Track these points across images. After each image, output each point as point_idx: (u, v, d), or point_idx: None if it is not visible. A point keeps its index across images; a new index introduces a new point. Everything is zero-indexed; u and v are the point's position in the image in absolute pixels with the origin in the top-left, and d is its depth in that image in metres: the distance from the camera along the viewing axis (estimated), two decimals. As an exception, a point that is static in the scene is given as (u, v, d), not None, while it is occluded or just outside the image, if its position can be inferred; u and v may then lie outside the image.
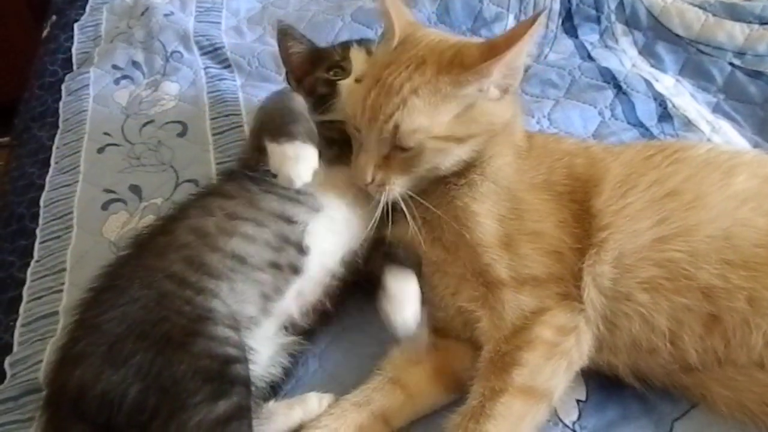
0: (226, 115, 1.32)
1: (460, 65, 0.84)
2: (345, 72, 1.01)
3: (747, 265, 0.78)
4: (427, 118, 0.84)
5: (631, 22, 1.47)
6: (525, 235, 0.86)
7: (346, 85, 0.99)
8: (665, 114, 1.25)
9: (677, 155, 0.89)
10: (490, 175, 0.90)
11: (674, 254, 0.80)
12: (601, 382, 0.86)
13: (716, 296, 0.78)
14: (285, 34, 1.08)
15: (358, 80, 0.98)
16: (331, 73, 1.01)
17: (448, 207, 0.89)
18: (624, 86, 1.30)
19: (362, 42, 1.07)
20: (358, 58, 1.02)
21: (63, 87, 1.48)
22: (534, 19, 0.82)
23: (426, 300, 0.88)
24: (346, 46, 1.06)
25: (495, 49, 0.82)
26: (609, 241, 0.83)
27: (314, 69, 1.04)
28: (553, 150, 0.95)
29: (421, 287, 0.88)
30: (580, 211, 0.87)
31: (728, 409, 0.79)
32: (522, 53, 0.84)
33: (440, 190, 0.91)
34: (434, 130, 0.84)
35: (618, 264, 0.82)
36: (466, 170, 0.90)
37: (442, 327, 0.90)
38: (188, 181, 1.20)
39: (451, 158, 0.87)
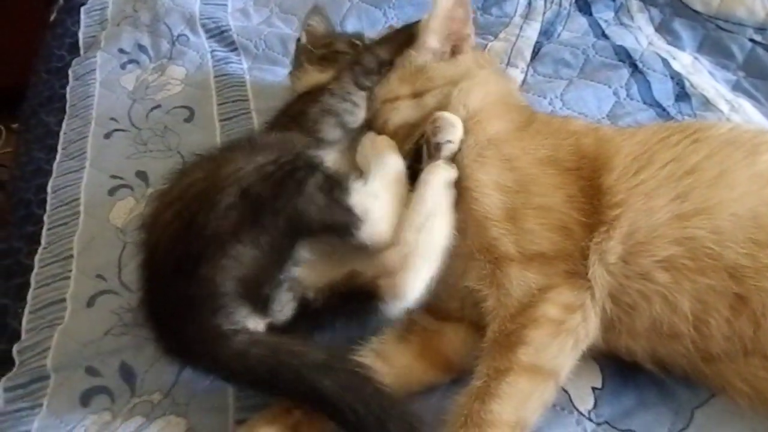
0: (234, 101, 1.30)
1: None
2: None
3: None
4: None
5: (648, -1, 1.42)
6: (531, 209, 0.84)
7: None
8: (682, 93, 1.21)
9: (697, 135, 0.86)
10: (492, 139, 0.90)
11: (696, 232, 0.77)
12: (618, 369, 0.84)
13: (743, 276, 0.75)
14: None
15: None
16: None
17: (457, 180, 0.88)
18: (640, 65, 1.26)
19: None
20: None
21: (70, 72, 1.47)
22: None
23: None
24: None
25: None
26: (621, 219, 0.81)
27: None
28: (559, 129, 0.93)
29: None
30: (589, 187, 0.85)
31: (749, 404, 0.76)
32: (440, 16, 0.97)
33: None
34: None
35: (629, 241, 0.79)
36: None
37: (442, 310, 0.89)
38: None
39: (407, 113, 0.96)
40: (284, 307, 0.81)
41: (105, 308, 0.98)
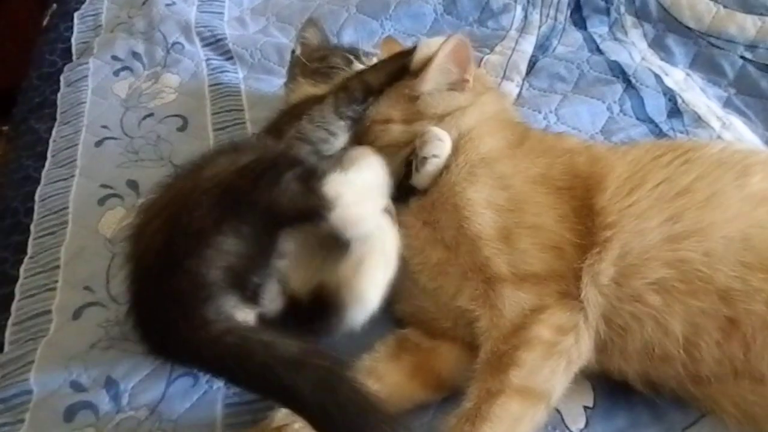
0: (228, 111, 1.29)
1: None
2: None
3: (767, 268, 0.75)
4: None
5: (641, 14, 1.43)
6: (524, 228, 0.84)
7: None
8: (675, 110, 1.22)
9: (688, 155, 0.86)
10: (484, 156, 0.90)
11: (687, 254, 0.77)
12: (610, 389, 0.83)
13: (734, 299, 0.75)
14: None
15: None
16: None
17: (448, 197, 0.88)
18: (633, 80, 1.27)
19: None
20: None
21: (62, 78, 1.45)
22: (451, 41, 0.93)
23: (423, 304, 0.88)
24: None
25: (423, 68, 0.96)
26: (613, 240, 0.81)
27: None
28: (553, 146, 0.93)
29: (419, 294, 0.88)
30: (582, 207, 0.85)
31: (738, 425, 0.76)
32: (436, 72, 0.94)
33: (440, 182, 0.91)
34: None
35: (621, 263, 0.79)
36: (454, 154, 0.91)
37: (434, 328, 0.88)
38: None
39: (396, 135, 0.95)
40: (275, 297, 0.80)
41: (92, 321, 0.96)
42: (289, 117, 0.98)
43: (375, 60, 1.11)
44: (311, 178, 0.79)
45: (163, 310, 0.76)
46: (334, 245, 0.81)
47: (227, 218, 0.76)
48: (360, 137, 0.98)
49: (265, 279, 0.79)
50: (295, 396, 0.69)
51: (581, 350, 0.79)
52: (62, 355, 0.92)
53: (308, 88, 1.06)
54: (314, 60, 1.10)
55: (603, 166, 0.88)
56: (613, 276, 0.79)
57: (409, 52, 0.99)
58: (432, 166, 0.89)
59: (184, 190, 0.81)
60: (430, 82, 0.96)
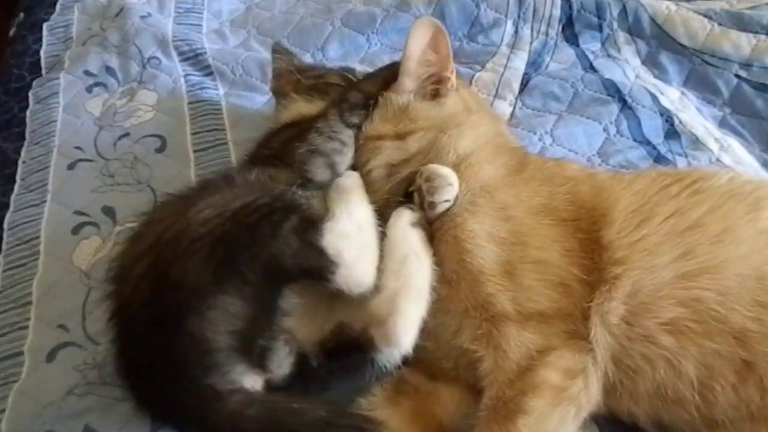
0: (209, 130, 1.23)
1: None
2: None
3: None
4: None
5: (634, 31, 1.40)
6: (529, 263, 0.81)
7: None
8: (672, 131, 1.19)
9: (697, 185, 0.84)
10: (485, 186, 0.87)
11: (701, 293, 0.75)
12: (616, 428, 0.80)
13: (750, 341, 0.73)
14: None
15: None
16: None
17: (448, 229, 0.85)
18: (629, 100, 1.24)
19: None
20: None
21: (30, 94, 1.38)
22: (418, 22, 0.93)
23: (423, 343, 0.82)
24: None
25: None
26: (623, 278, 0.78)
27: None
28: (554, 174, 0.90)
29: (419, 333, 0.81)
30: (588, 240, 0.82)
31: None
32: (411, 58, 0.93)
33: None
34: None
35: (632, 302, 0.77)
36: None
37: (435, 369, 0.85)
38: (163, 200, 1.11)
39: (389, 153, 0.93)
40: (282, 361, 0.76)
41: (67, 363, 0.90)
42: (291, 136, 0.94)
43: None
44: (309, 229, 0.76)
45: (162, 373, 0.72)
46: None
47: (228, 275, 0.72)
48: (354, 157, 0.95)
49: (271, 342, 0.75)
50: None
51: (590, 395, 0.76)
52: (36, 403, 0.86)
53: (303, 105, 1.03)
54: (310, 77, 1.07)
55: (608, 196, 0.85)
56: (623, 315, 0.76)
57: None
58: (442, 209, 0.86)
59: (173, 231, 0.76)
60: (410, 74, 0.94)
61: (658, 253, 0.78)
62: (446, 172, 0.86)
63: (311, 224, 0.77)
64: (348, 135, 0.94)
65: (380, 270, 0.79)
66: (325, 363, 0.78)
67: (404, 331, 0.75)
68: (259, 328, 0.74)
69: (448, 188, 0.85)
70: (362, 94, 0.97)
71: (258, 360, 0.75)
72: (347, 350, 0.78)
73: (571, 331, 0.77)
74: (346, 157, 0.94)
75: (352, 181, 0.91)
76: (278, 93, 1.11)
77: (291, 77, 1.08)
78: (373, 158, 0.94)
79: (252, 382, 0.75)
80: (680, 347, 0.74)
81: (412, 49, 0.94)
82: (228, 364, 0.72)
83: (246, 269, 0.72)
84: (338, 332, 0.79)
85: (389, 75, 0.98)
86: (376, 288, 0.78)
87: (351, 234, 0.79)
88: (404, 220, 0.84)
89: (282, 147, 0.93)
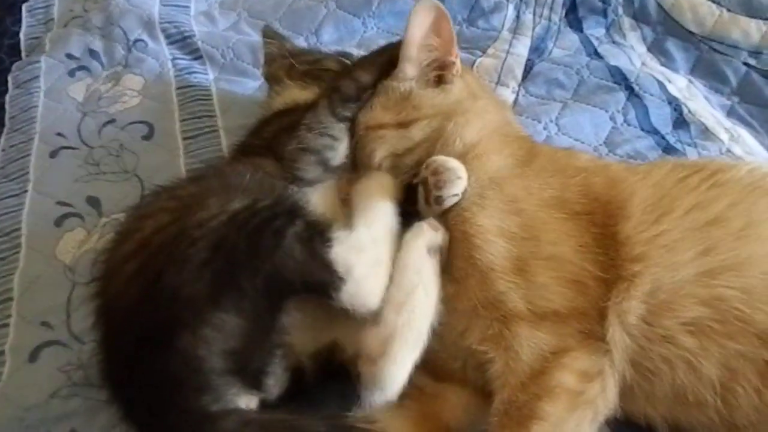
0: (199, 117, 1.18)
1: None
2: None
3: None
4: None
5: (640, 16, 1.36)
6: (541, 260, 0.77)
7: None
8: (680, 120, 1.15)
9: (716, 177, 0.80)
10: (493, 178, 0.83)
11: (724, 291, 0.71)
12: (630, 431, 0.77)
13: None
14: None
15: None
16: None
17: (456, 224, 0.80)
18: (636, 88, 1.20)
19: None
20: None
21: (10, 78, 1.33)
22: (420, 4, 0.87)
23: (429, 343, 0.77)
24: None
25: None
26: (642, 275, 0.74)
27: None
28: (565, 165, 0.86)
29: None
30: (603, 235, 0.77)
31: None
32: (413, 43, 0.88)
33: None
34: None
35: (651, 300, 0.73)
36: None
37: (441, 370, 0.80)
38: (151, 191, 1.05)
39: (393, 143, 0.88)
40: (278, 380, 0.72)
41: (51, 364, 0.86)
42: (279, 130, 0.88)
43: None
44: (315, 238, 0.71)
45: (148, 388, 0.67)
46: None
47: (226, 290, 0.67)
48: (355, 148, 0.90)
49: (268, 360, 0.70)
50: None
51: (607, 398, 0.72)
52: (18, 406, 0.82)
53: (297, 92, 0.98)
54: (304, 62, 1.02)
55: (623, 189, 0.81)
56: (642, 314, 0.72)
57: (398, 44, 0.91)
58: (450, 203, 0.82)
59: (166, 233, 0.70)
60: (411, 60, 0.89)
61: (679, 250, 0.74)
62: (455, 164, 0.82)
63: (318, 231, 0.72)
64: (339, 129, 0.88)
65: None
66: (319, 375, 0.75)
67: (393, 378, 0.70)
68: (256, 347, 0.70)
69: (457, 182, 0.81)
70: (356, 83, 0.90)
71: (253, 380, 0.70)
72: (338, 369, 0.75)
73: (587, 332, 0.73)
74: (338, 152, 0.88)
75: (379, 183, 0.85)
76: (271, 79, 1.06)
77: (284, 62, 1.03)
78: (377, 149, 0.89)
79: (246, 401, 0.70)
80: (701, 348, 0.71)
81: (412, 33, 0.88)
82: (222, 385, 0.68)
83: (246, 284, 0.67)
84: (332, 350, 0.75)
85: (386, 60, 0.92)
86: (375, 316, 0.72)
87: (365, 247, 0.73)
88: (422, 242, 0.77)
89: (273, 138, 0.88)
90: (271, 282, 0.68)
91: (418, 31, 0.88)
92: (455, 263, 0.79)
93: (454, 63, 0.91)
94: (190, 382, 0.66)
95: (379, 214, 0.78)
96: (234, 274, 0.67)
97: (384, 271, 0.73)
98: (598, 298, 0.74)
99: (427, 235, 0.77)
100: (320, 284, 0.70)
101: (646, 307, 0.72)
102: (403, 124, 0.89)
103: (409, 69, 0.90)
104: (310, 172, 0.84)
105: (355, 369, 0.71)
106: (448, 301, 0.78)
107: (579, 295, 0.75)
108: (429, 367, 0.80)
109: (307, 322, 0.74)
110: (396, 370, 0.70)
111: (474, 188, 0.82)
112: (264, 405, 0.71)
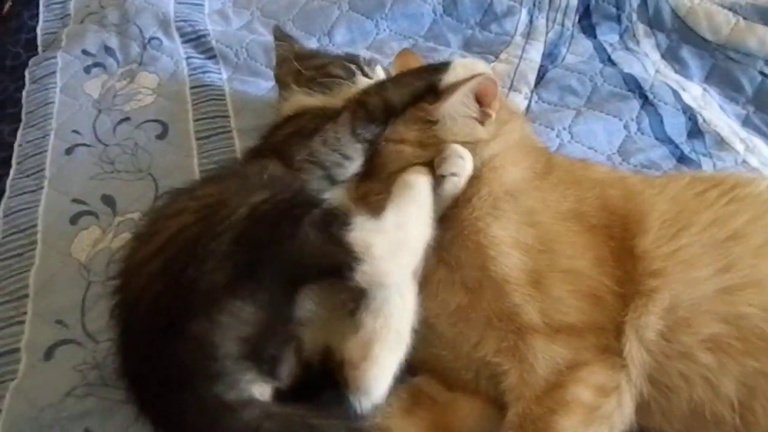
0: (212, 117, 1.18)
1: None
2: None
3: None
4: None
5: (654, 23, 1.35)
6: (558, 273, 0.76)
7: None
8: (695, 130, 1.15)
9: (736, 192, 0.79)
10: (509, 190, 0.82)
11: (744, 309, 0.71)
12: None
13: None
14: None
15: None
16: None
17: (469, 234, 0.80)
18: (650, 96, 1.20)
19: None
20: None
21: (26, 73, 1.33)
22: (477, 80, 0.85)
23: (441, 352, 0.80)
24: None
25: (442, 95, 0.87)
26: (661, 291, 0.74)
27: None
28: (581, 178, 0.86)
29: (436, 341, 0.79)
30: (620, 249, 0.77)
31: None
32: (456, 105, 0.85)
33: (461, 216, 0.82)
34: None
35: (670, 316, 0.73)
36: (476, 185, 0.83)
37: (454, 379, 0.81)
38: (169, 193, 1.06)
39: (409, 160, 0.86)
40: (291, 370, 0.72)
41: (66, 362, 0.86)
42: (292, 134, 0.88)
43: (378, 68, 1.01)
44: (332, 223, 0.70)
45: (165, 378, 0.67)
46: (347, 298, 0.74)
47: (243, 278, 0.67)
48: (372, 156, 0.89)
49: (282, 350, 0.71)
50: None
51: (624, 414, 0.72)
52: (33, 405, 0.82)
53: (303, 98, 0.97)
54: (310, 68, 1.00)
55: (641, 202, 0.80)
56: (660, 330, 0.72)
57: (439, 70, 0.88)
58: (450, 185, 0.81)
59: (189, 233, 0.71)
60: (449, 113, 0.86)
61: (698, 265, 0.74)
62: (459, 147, 0.82)
63: (336, 217, 0.72)
64: (355, 149, 0.85)
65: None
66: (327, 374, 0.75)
67: (376, 381, 0.70)
68: (271, 335, 0.70)
69: (458, 161, 0.80)
70: (384, 104, 0.87)
71: (267, 367, 0.70)
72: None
73: (604, 346, 0.73)
74: (348, 170, 0.86)
75: (416, 174, 0.82)
76: (280, 82, 1.06)
77: (291, 66, 1.02)
78: (393, 162, 0.87)
79: (260, 390, 0.70)
80: (720, 365, 0.70)
81: (459, 97, 0.85)
82: (236, 371, 0.68)
83: (263, 273, 0.68)
84: (326, 353, 0.75)
85: (422, 87, 0.89)
86: (354, 325, 0.72)
87: (387, 230, 0.72)
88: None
89: (283, 142, 0.87)
90: (287, 269, 0.69)
91: (465, 96, 0.86)
92: (469, 274, 0.78)
93: (491, 115, 0.88)
94: (204, 369, 0.66)
95: (409, 202, 0.77)
96: (252, 264, 0.68)
97: (408, 254, 0.72)
98: (615, 312, 0.74)
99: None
100: (337, 265, 0.69)
101: (664, 323, 0.72)
102: (424, 145, 0.87)
103: (443, 116, 0.86)
104: (314, 184, 0.83)
105: (341, 375, 0.71)
106: (461, 311, 0.78)
107: (595, 309, 0.75)
108: (441, 376, 0.81)
109: (321, 316, 0.74)
110: (379, 372, 0.70)
111: (488, 200, 0.81)
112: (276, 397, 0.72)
